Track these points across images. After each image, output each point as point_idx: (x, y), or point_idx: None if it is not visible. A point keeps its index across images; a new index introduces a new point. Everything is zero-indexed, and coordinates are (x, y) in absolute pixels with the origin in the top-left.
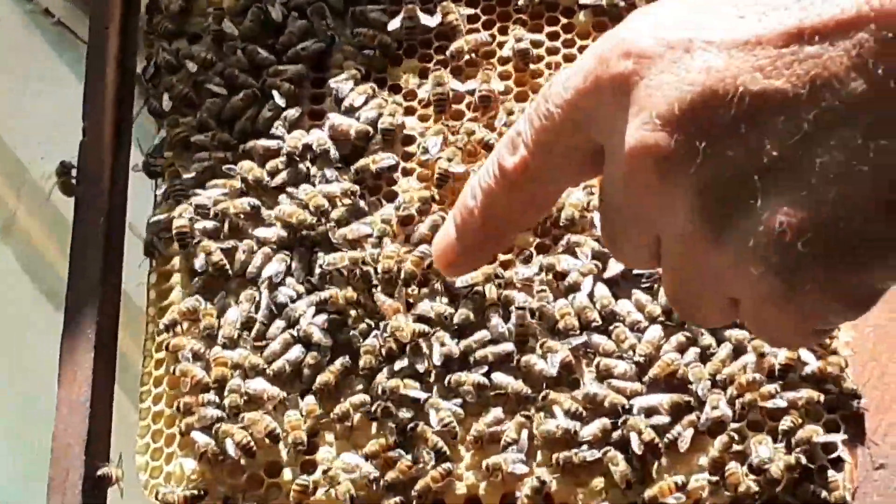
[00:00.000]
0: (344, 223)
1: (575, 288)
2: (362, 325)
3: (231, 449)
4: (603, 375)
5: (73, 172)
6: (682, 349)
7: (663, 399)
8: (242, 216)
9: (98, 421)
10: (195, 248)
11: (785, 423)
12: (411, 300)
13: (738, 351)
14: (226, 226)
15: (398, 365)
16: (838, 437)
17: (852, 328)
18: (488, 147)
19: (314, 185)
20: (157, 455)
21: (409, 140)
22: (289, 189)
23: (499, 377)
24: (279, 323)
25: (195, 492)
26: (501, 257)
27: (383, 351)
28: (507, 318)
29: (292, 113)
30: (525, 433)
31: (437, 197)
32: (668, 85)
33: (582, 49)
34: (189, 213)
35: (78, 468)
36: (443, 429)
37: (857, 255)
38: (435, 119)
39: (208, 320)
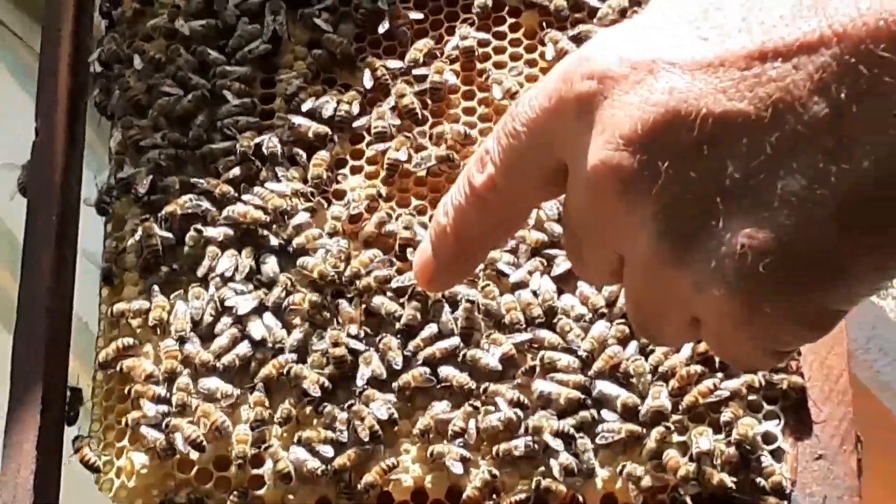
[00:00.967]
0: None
1: (521, 285)
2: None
3: (180, 444)
4: (547, 369)
5: None
6: (624, 341)
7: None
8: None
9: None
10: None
11: (725, 415)
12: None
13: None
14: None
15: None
16: (778, 428)
17: None
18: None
19: (263, 186)
20: (108, 450)
21: (359, 137)
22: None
23: (445, 370)
24: (227, 319)
25: None
26: None
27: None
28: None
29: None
30: (472, 423)
31: (383, 193)
32: (631, 105)
33: (528, 49)
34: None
35: (29, 464)
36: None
37: (816, 277)
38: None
39: (158, 312)
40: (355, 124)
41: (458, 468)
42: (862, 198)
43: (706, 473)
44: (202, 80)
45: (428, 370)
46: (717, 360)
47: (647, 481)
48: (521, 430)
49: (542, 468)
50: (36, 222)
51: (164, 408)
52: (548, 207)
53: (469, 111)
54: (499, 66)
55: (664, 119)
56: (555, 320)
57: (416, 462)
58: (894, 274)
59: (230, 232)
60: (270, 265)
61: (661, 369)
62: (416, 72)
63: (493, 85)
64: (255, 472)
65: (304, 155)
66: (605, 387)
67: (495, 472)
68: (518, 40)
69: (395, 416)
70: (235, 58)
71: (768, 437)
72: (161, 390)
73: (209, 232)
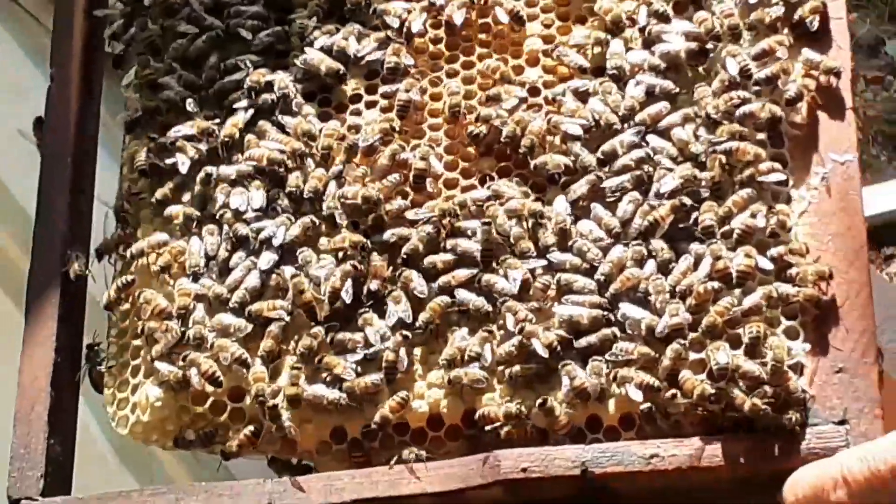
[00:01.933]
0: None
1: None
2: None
3: (195, 379)
4: (564, 291)
5: None
6: (641, 261)
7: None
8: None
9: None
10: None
11: (750, 331)
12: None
13: (698, 263)
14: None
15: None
16: (798, 345)
17: (811, 237)
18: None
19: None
20: (123, 388)
21: (374, 73)
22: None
23: (462, 294)
24: (241, 253)
25: None
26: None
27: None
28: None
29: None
30: (488, 347)
31: (397, 127)
32: None
33: None
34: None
35: (44, 401)
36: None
37: None
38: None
39: (166, 257)
40: (370, 58)
41: (480, 382)
42: None
43: (731, 394)
44: (217, 20)
45: (448, 298)
46: (733, 276)
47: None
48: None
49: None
50: (51, 167)
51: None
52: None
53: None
54: None
55: None
56: (571, 242)
57: (432, 388)
58: None
59: (245, 169)
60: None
61: (678, 288)
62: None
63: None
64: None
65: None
66: (627, 309)
67: (523, 409)
68: None
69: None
70: None
71: (789, 353)
72: (175, 325)
73: (223, 170)
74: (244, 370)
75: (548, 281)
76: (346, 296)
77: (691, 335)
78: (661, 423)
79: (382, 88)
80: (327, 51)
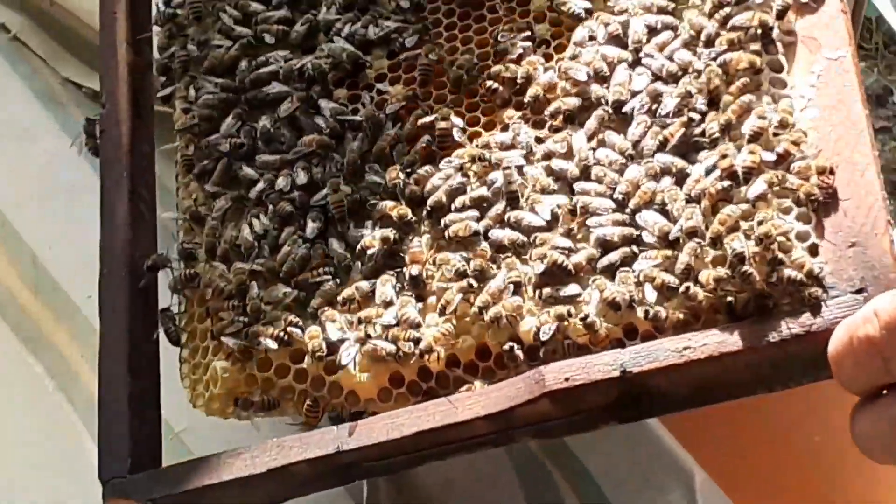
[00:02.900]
0: None
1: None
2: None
3: (269, 343)
4: (588, 215)
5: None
6: (656, 176)
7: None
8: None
9: None
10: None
11: (756, 218)
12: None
13: (709, 169)
14: None
15: None
16: (810, 227)
17: (813, 130)
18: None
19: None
20: (197, 371)
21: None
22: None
23: (495, 233)
24: (289, 228)
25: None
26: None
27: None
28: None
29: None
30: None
31: (419, 94)
32: None
33: None
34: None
35: (124, 388)
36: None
37: None
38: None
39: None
40: (390, 37)
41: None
42: None
43: (749, 275)
44: (246, 29)
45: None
46: (739, 173)
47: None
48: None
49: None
50: (108, 179)
51: (241, 318)
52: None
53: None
54: None
55: None
56: (590, 168)
57: (476, 323)
58: None
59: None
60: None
61: (693, 193)
62: None
63: None
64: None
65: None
66: (645, 216)
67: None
68: None
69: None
70: (272, 3)
71: (801, 236)
72: (234, 302)
73: (265, 157)
74: (299, 332)
75: (574, 208)
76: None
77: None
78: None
79: (404, 57)
80: (349, 39)
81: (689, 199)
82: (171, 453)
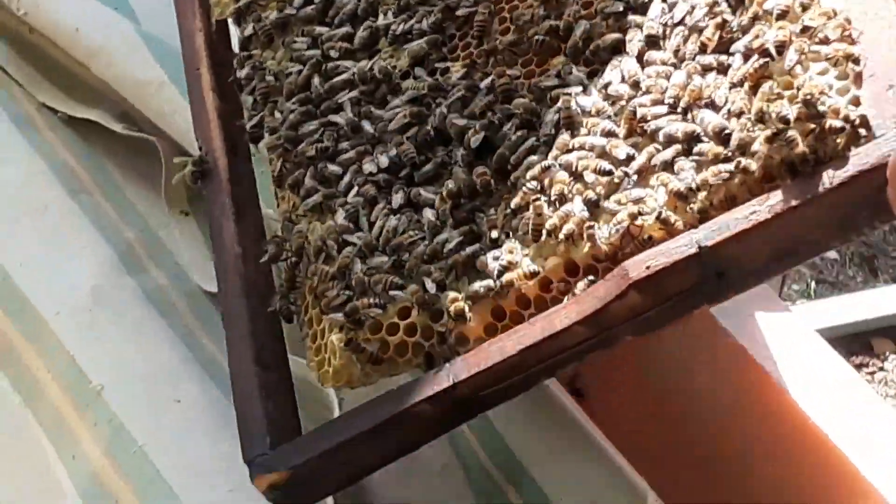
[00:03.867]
0: None
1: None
2: None
3: (365, 310)
4: (642, 120)
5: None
6: (699, 74)
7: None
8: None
9: None
10: None
11: (796, 84)
12: None
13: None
14: None
15: None
16: (848, 81)
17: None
18: None
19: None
20: (317, 353)
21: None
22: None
23: (564, 158)
24: (380, 205)
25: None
26: None
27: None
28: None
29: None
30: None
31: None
32: None
33: None
34: None
35: (253, 377)
36: None
37: None
38: None
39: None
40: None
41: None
42: None
43: (790, 138)
44: (314, 50)
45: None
46: (772, 50)
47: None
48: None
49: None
50: (215, 207)
51: (347, 292)
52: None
53: None
54: None
55: None
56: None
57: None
58: None
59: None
60: None
61: (735, 80)
62: None
63: None
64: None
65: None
66: (698, 114)
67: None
68: None
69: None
70: (335, 22)
71: (841, 91)
72: (339, 281)
73: (346, 154)
74: (400, 292)
75: (632, 117)
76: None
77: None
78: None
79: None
80: (408, 35)
81: (733, 86)
82: None
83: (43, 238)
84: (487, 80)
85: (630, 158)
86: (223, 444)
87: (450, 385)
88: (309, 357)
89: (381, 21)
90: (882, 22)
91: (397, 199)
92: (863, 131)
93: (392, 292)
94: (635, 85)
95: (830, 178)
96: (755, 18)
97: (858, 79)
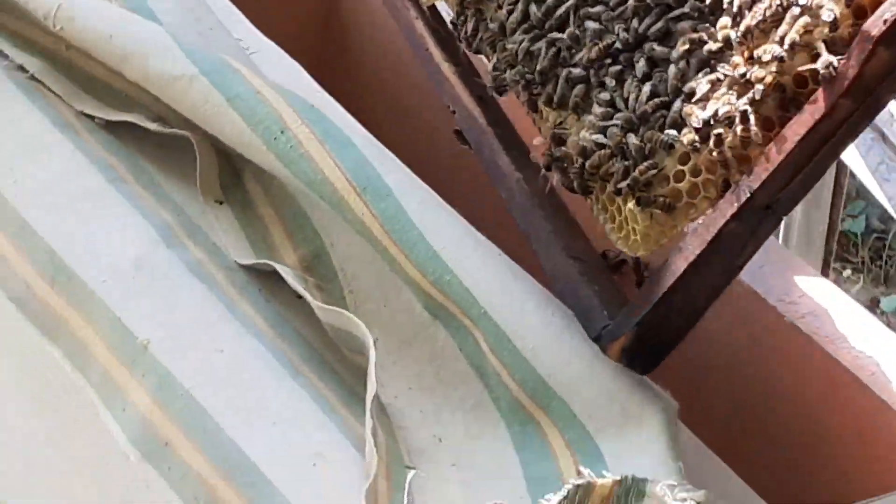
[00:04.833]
0: None
1: None
2: None
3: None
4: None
5: None
6: None
7: None
8: None
9: None
10: None
11: None
12: None
13: None
14: None
15: None
16: None
17: None
18: None
19: None
20: (620, 229)
21: None
22: None
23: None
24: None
25: None
26: None
27: None
28: None
29: None
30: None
31: None
32: None
33: None
34: None
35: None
36: None
37: None
38: None
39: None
40: None
41: None
42: None
43: None
44: None
45: None
46: None
47: None
48: None
49: None
50: (485, 149)
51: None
52: None
53: None
54: None
55: None
56: None
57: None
58: None
59: None
60: None
61: None
62: None
63: None
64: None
65: None
66: None
67: None
68: None
69: None
70: None
71: None
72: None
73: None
74: (675, 133)
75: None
76: None
77: None
78: None
79: None
80: None
81: None
82: None
83: (85, 218)
84: None
85: None
86: (263, 387)
87: (748, 197)
88: (615, 238)
89: None
90: None
91: (640, 67)
92: None
93: (667, 138)
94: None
95: None
96: None
97: None
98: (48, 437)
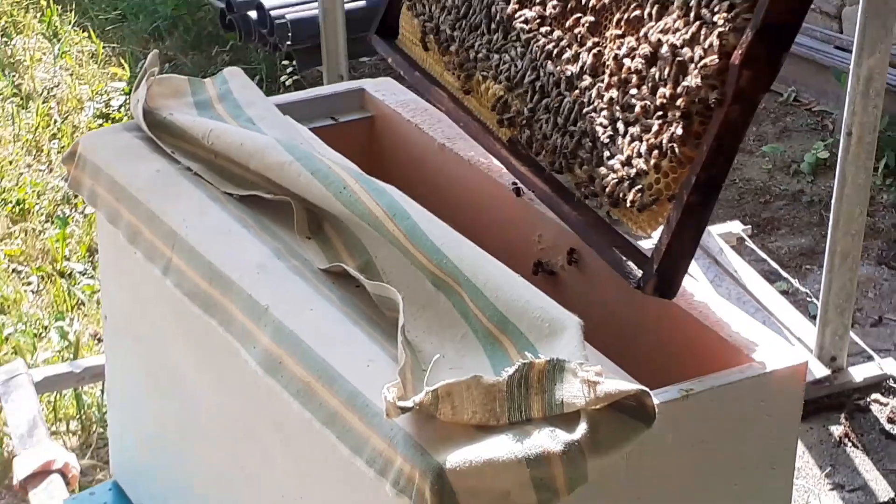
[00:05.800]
0: None
1: None
2: None
3: None
4: None
5: None
6: None
7: None
8: None
9: None
10: None
11: None
12: None
13: None
14: None
15: None
16: None
17: None
18: None
19: None
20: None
21: None
22: None
23: None
24: None
25: None
26: None
27: None
28: None
29: None
30: None
31: None
32: None
33: None
34: None
35: None
36: None
37: None
38: None
39: None
40: None
41: None
42: None
43: None
44: None
45: None
46: None
47: None
48: None
49: None
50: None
51: None
52: None
53: None
54: None
55: None
56: None
57: None
58: None
59: None
60: None
61: None
62: None
63: None
64: None
65: None
66: None
67: None
68: None
69: None
70: None
71: None
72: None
73: None
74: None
75: None
76: None
77: None
78: None
79: None
80: None
81: None
82: None
83: (228, 244)
84: None
85: None
86: (337, 328)
87: (695, 180)
88: (632, 228)
89: None
90: None
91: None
92: None
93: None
94: None
95: None
96: None
97: None
98: (208, 371)
